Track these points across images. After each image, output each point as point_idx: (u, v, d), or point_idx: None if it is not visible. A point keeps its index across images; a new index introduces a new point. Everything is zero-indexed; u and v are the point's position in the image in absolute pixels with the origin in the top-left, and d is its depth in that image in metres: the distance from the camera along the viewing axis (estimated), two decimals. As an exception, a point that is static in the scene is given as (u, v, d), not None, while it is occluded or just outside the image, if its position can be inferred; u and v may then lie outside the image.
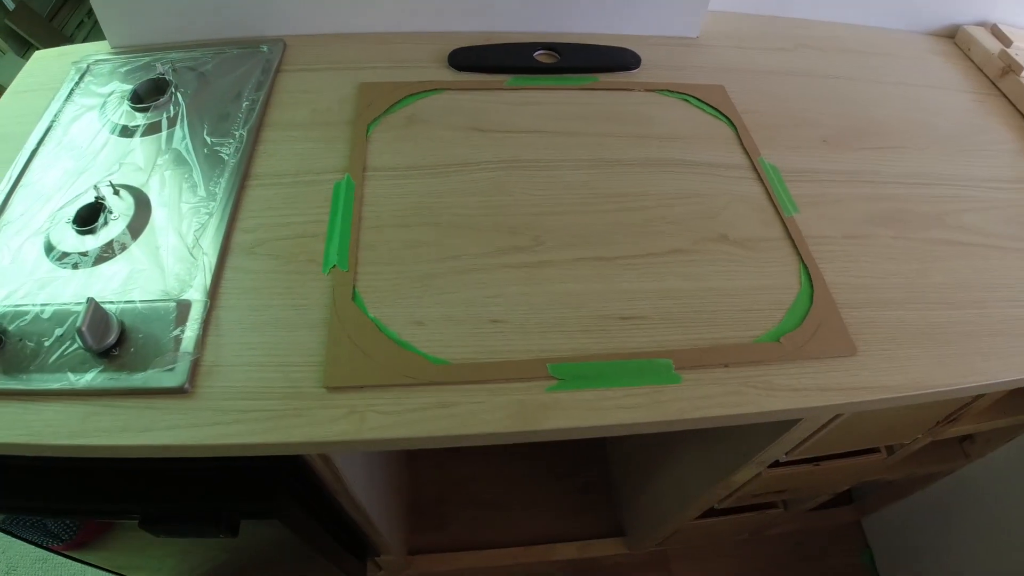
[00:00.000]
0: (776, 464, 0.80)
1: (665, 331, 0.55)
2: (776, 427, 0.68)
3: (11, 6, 2.35)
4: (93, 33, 2.67)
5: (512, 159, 0.68)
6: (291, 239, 0.59)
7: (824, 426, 0.68)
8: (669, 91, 0.79)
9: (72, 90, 0.76)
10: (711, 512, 1.01)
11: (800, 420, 0.64)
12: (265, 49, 0.80)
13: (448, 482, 1.39)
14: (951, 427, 0.83)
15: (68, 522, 0.75)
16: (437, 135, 0.70)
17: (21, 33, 2.34)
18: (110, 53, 0.81)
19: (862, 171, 0.74)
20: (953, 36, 1.04)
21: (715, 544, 1.34)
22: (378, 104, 0.72)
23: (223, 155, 0.67)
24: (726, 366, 0.54)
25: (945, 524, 1.16)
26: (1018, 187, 0.77)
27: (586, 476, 1.42)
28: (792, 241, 0.64)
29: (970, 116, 0.87)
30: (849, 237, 0.66)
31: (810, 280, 0.61)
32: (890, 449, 0.88)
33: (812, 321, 0.58)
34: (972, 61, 0.99)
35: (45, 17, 2.52)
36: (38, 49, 2.51)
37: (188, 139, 0.68)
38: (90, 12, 2.71)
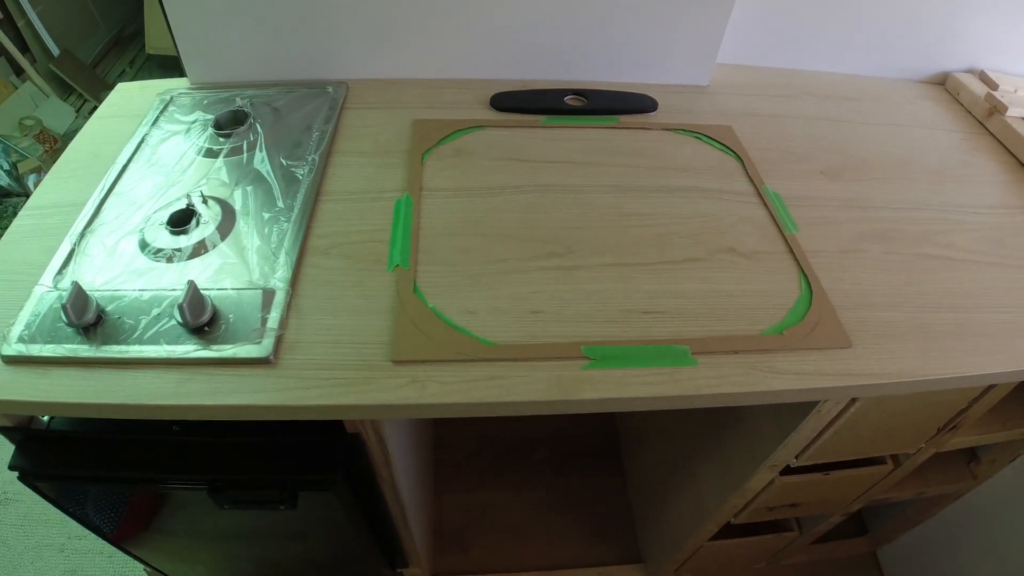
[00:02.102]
0: (787, 471, 0.86)
1: (681, 324, 0.64)
2: (784, 424, 0.75)
3: (56, 52, 2.56)
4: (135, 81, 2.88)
5: (546, 184, 0.78)
6: (359, 244, 0.69)
7: (829, 425, 0.75)
8: (683, 130, 0.89)
9: (158, 117, 0.88)
10: (728, 529, 1.06)
11: (806, 417, 0.71)
12: (330, 90, 0.92)
13: (472, 508, 1.43)
14: (952, 436, 0.89)
15: (110, 514, 0.82)
16: (481, 164, 0.81)
17: (64, 78, 2.55)
18: (189, 88, 0.93)
19: (856, 198, 0.83)
20: (943, 83, 1.15)
21: (732, 573, 1.37)
22: (430, 137, 0.83)
23: (298, 175, 0.77)
24: (736, 352, 0.62)
25: (957, 552, 1.19)
26: (1001, 212, 0.86)
27: (605, 503, 1.46)
28: (793, 254, 0.73)
29: (958, 152, 0.97)
30: (844, 252, 0.75)
31: (809, 286, 0.69)
32: (896, 460, 0.93)
33: (811, 318, 0.66)
34: (961, 104, 1.10)
35: (88, 64, 2.73)
36: (80, 94, 2.70)
37: (267, 161, 0.79)
38: (132, 61, 2.95)
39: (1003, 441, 0.97)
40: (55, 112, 2.47)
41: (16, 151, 2.19)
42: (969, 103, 1.08)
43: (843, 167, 0.88)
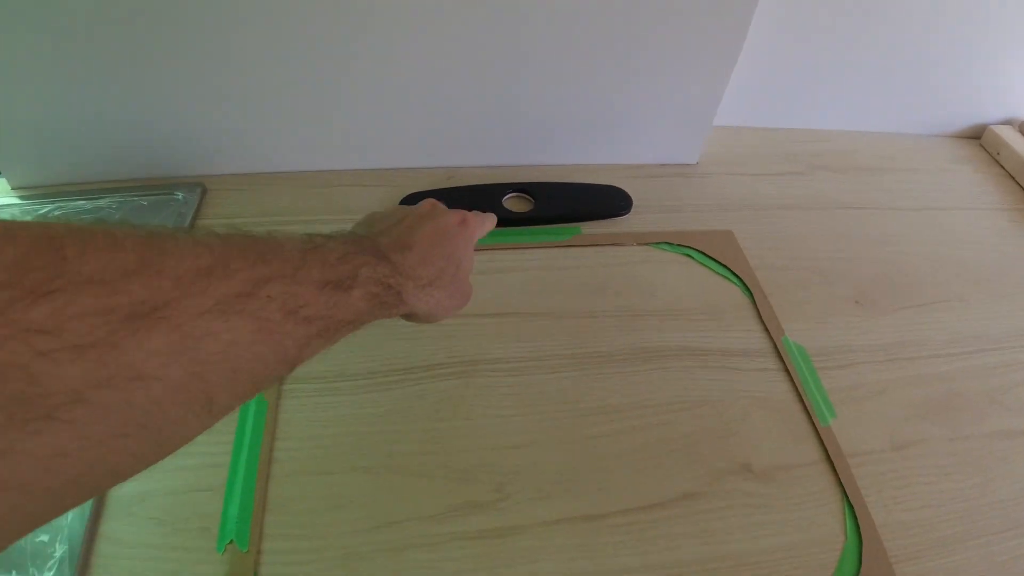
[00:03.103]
0: None
1: (675, 635, 0.41)
2: None
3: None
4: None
5: (471, 360, 0.54)
6: (180, 494, 0.45)
7: None
8: (668, 244, 0.65)
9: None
10: None
11: None
12: (180, 197, 0.66)
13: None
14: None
15: None
16: (376, 327, 0.56)
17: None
18: (9, 194, 0.67)
19: (903, 342, 0.61)
20: (979, 137, 0.92)
21: None
22: (308, 278, 0.58)
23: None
24: None
25: None
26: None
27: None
28: (831, 463, 0.50)
29: (1007, 243, 0.75)
30: (898, 447, 0.53)
31: (857, 526, 0.47)
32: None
33: (865, 594, 0.44)
34: (1002, 167, 0.88)
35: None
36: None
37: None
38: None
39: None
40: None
41: None
42: (1013, 167, 0.86)
43: (879, 288, 0.66)
